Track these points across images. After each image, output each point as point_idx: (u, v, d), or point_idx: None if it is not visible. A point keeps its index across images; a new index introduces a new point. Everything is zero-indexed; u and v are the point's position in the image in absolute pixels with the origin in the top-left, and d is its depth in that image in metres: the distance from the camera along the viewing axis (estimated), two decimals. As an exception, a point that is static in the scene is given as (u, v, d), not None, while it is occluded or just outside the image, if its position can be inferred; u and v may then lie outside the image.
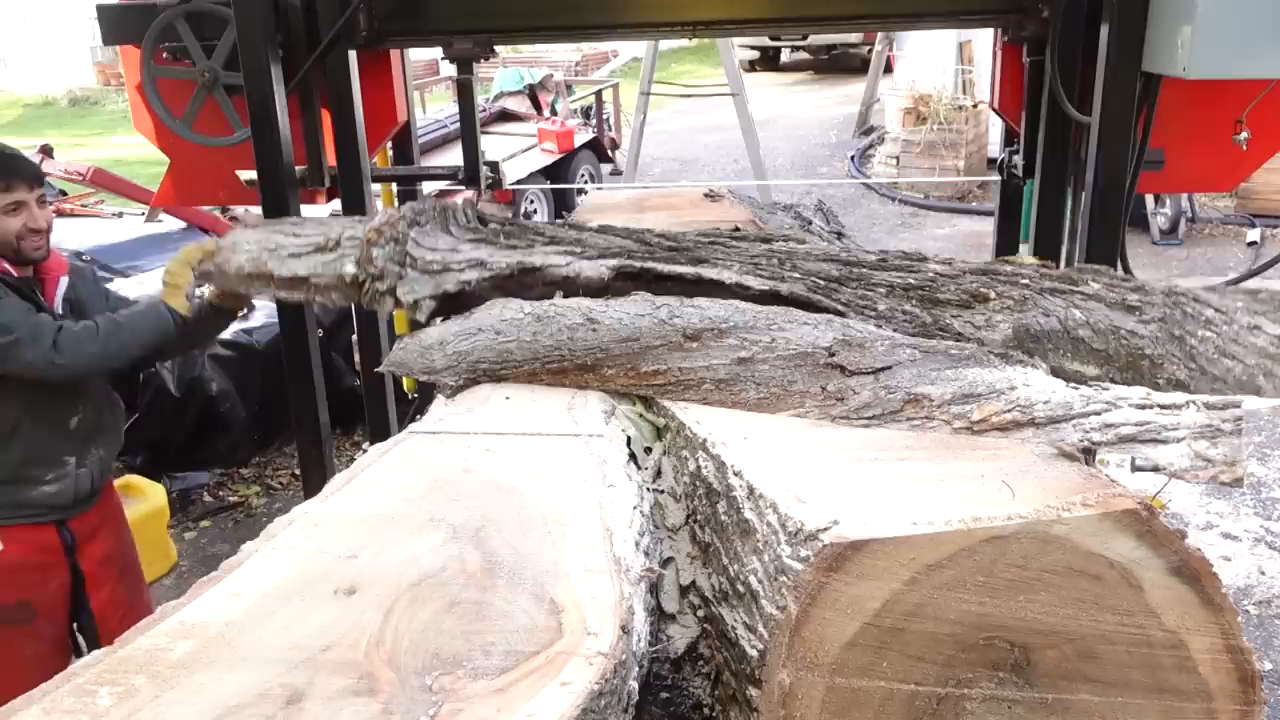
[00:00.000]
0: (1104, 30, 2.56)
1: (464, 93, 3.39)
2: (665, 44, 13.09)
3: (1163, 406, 1.60)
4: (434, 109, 9.37)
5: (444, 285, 2.15)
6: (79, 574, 2.62)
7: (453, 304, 2.17)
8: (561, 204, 8.28)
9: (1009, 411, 1.65)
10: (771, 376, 1.83)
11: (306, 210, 3.01)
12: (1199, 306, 1.97)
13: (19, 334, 2.33)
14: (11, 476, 2.49)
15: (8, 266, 2.45)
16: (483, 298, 2.15)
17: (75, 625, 2.67)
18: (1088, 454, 1.59)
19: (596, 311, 1.95)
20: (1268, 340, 1.92)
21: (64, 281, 2.63)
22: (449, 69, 4.95)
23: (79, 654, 2.60)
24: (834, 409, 1.77)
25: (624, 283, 2.08)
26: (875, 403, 1.75)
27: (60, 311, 2.55)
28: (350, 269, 2.27)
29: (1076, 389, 1.68)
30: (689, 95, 11.07)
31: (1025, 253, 3.14)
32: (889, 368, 1.78)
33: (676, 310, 1.92)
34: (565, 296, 2.10)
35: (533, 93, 10.00)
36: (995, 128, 7.88)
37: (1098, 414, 1.61)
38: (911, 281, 2.04)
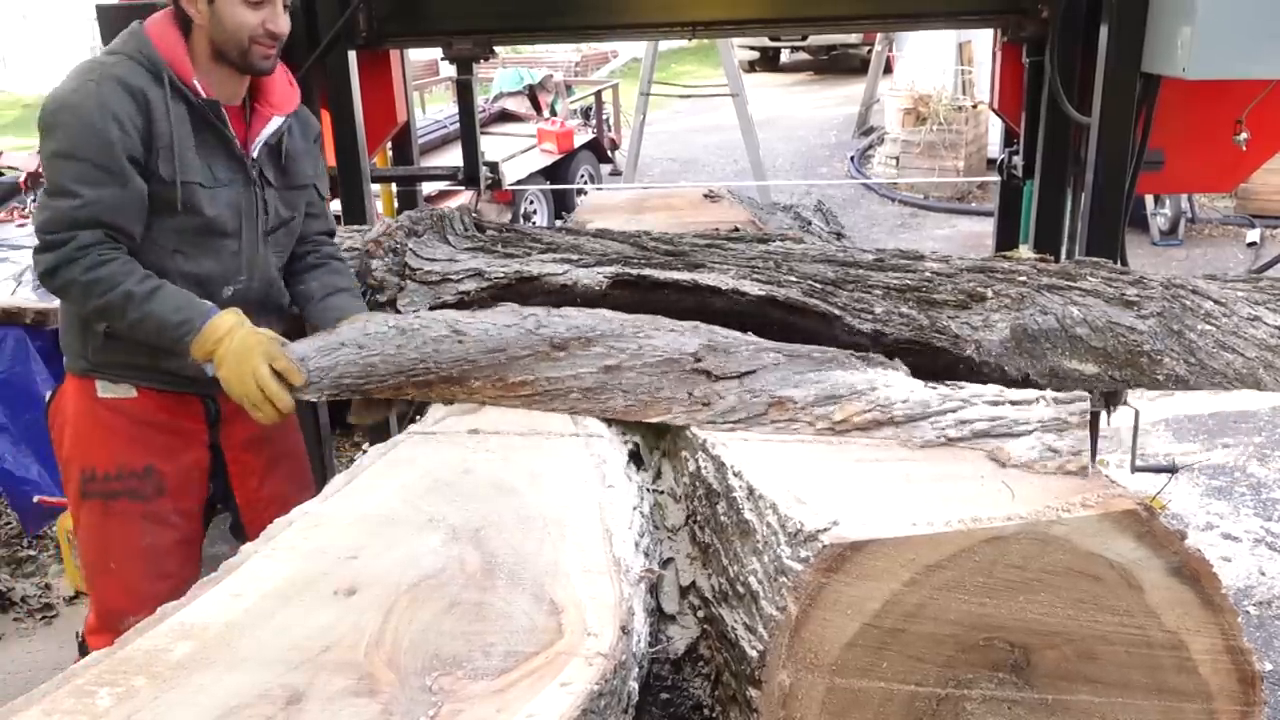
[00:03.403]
0: (1103, 30, 2.56)
1: (464, 93, 3.39)
2: (665, 44, 13.09)
3: (1014, 402, 1.64)
4: (434, 109, 9.35)
5: (443, 296, 2.16)
6: (220, 459, 2.25)
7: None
8: (561, 204, 8.27)
9: (869, 411, 1.69)
10: (639, 383, 1.84)
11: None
12: (1198, 299, 1.97)
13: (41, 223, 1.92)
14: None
15: (197, 84, 2.01)
16: (482, 307, 2.16)
17: (231, 528, 2.38)
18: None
19: (463, 323, 1.92)
20: (1268, 332, 1.92)
21: (276, 122, 2.15)
22: (449, 69, 4.96)
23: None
24: (700, 414, 1.79)
25: (621, 290, 2.08)
26: (740, 406, 1.77)
27: (254, 155, 2.12)
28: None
29: (935, 388, 1.72)
30: (689, 96, 11.08)
31: (1025, 251, 3.14)
32: (753, 371, 1.80)
33: (544, 320, 1.91)
34: (563, 304, 2.10)
35: (532, 93, 9.99)
36: (995, 128, 7.88)
37: (954, 411, 1.65)
38: (909, 282, 2.04)
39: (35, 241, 1.97)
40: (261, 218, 2.15)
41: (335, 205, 3.17)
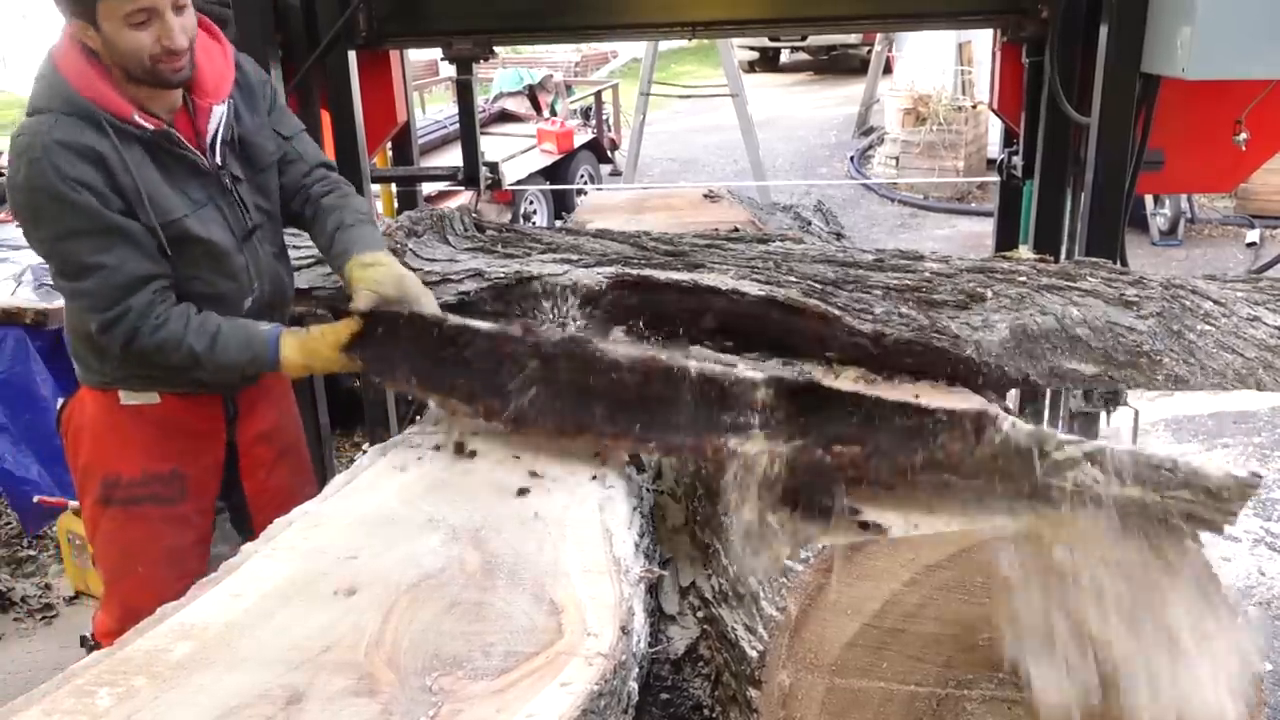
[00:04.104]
0: (1103, 31, 2.56)
1: (463, 93, 3.39)
2: (665, 44, 13.09)
3: None
4: (434, 109, 9.35)
5: (443, 297, 2.15)
6: (233, 454, 2.25)
7: (454, 314, 2.16)
8: (561, 205, 8.27)
9: None
10: None
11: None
12: (1198, 299, 1.97)
13: (86, 288, 1.89)
14: None
15: (139, 119, 1.89)
16: (483, 308, 2.15)
17: (229, 516, 2.38)
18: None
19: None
20: (1267, 332, 1.92)
21: (220, 112, 2.00)
22: (449, 69, 4.96)
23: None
24: None
25: (621, 291, 2.08)
26: None
27: (219, 161, 2.02)
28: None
29: None
30: (688, 96, 11.08)
31: (1025, 251, 3.14)
32: None
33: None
34: (564, 305, 2.10)
35: (532, 93, 10.00)
36: (995, 128, 7.88)
37: None
38: (908, 282, 2.04)
39: (94, 327, 1.94)
40: (245, 218, 2.08)
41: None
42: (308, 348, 2.00)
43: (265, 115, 2.14)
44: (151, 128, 1.90)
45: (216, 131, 2.00)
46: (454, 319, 1.92)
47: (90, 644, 2.33)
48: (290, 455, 2.36)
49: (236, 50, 2.11)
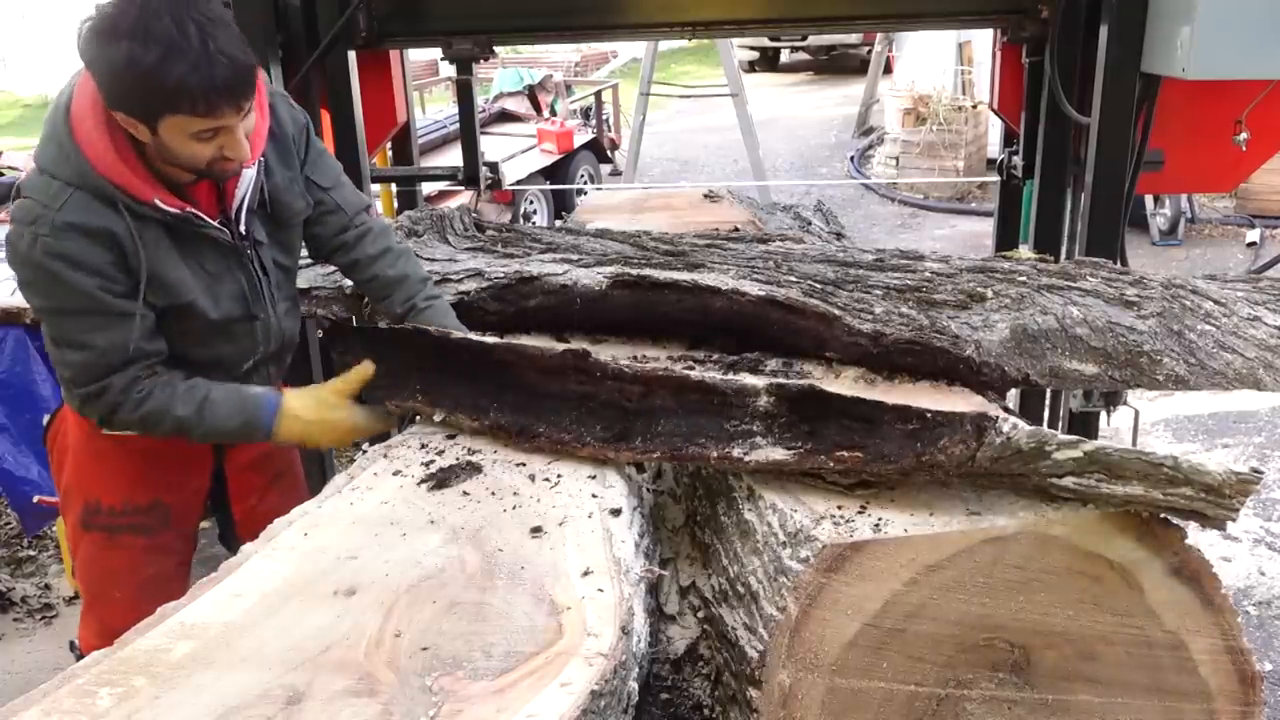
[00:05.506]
0: (1103, 31, 2.56)
1: (463, 93, 3.39)
2: (665, 44, 13.09)
3: None
4: (434, 109, 9.35)
5: (443, 296, 2.15)
6: (222, 480, 2.20)
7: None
8: (561, 204, 8.27)
9: None
10: None
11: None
12: (1198, 299, 1.97)
13: (70, 371, 1.82)
14: None
15: (160, 203, 1.76)
16: (483, 307, 2.15)
17: (220, 537, 2.32)
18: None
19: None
20: (1268, 332, 1.92)
21: (250, 175, 1.87)
22: (449, 69, 4.96)
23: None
24: None
25: (621, 290, 2.08)
26: None
27: (244, 231, 1.90)
28: (350, 281, 2.27)
29: None
30: (688, 96, 11.07)
31: (1025, 251, 3.14)
32: None
33: None
34: (563, 305, 2.10)
35: (532, 93, 10.01)
36: (995, 128, 7.87)
37: None
38: (909, 282, 2.04)
39: (75, 403, 1.89)
40: (263, 280, 1.98)
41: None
42: (313, 397, 1.93)
43: (298, 167, 2.00)
44: (173, 210, 1.78)
45: (244, 198, 1.89)
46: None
47: (77, 651, 2.31)
48: (283, 481, 2.30)
49: (271, 89, 1.98)
